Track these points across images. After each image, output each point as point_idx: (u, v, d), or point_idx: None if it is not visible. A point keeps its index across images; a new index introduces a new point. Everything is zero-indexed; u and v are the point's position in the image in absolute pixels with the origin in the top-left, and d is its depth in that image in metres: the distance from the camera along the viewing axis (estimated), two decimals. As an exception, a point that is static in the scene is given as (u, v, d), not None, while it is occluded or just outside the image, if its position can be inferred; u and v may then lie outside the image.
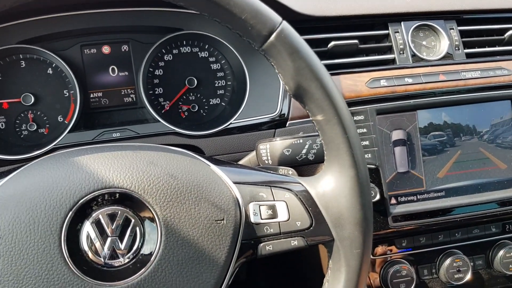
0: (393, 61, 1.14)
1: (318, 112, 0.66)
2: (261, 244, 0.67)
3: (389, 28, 1.15)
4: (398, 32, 1.15)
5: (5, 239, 0.58)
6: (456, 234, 1.14)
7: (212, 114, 1.19)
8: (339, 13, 1.12)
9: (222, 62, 1.19)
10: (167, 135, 1.06)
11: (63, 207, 0.60)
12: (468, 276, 1.12)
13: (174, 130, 1.06)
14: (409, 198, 1.08)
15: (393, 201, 1.07)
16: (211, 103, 1.19)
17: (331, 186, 0.68)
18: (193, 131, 1.07)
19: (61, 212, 0.59)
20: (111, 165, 0.64)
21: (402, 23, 1.16)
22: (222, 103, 1.19)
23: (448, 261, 1.11)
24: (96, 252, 0.60)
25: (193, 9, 0.64)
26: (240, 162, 0.97)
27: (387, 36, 1.16)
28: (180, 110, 1.17)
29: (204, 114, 1.19)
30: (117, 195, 0.62)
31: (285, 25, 0.64)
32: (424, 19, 1.17)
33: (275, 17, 0.63)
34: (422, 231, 1.12)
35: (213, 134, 1.07)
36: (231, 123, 1.08)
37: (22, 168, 0.66)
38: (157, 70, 1.15)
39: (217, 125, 1.08)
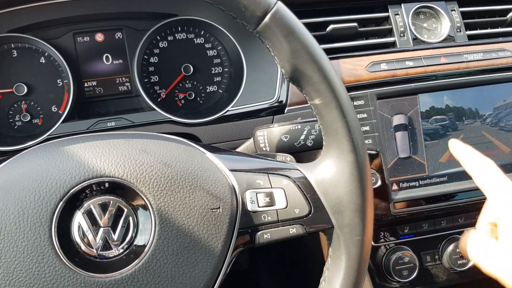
0: (393, 44, 1.12)
1: (315, 95, 0.64)
2: (259, 233, 0.65)
3: (389, 10, 1.12)
4: (398, 14, 1.12)
5: (-6, 232, 0.57)
6: (459, 220, 1.12)
7: (209, 102, 1.17)
8: (336, -4, 1.09)
9: (219, 48, 1.16)
10: (163, 124, 1.04)
11: (53, 197, 0.58)
12: (472, 262, 1.10)
13: (170, 118, 1.04)
14: (411, 184, 1.06)
15: (395, 187, 1.05)
16: (208, 90, 1.17)
17: (330, 172, 0.66)
18: (189, 119, 1.05)
19: (51, 202, 0.58)
20: (103, 154, 0.62)
21: (402, 5, 1.13)
22: (219, 90, 1.17)
23: (451, 247, 1.10)
24: (88, 243, 0.59)
25: None
26: (238, 150, 0.95)
27: (387, 18, 1.13)
28: (176, 98, 1.15)
29: (201, 102, 1.16)
30: (109, 184, 0.60)
31: (280, 5, 0.61)
32: (425, 1, 1.14)
33: None
34: (424, 217, 1.10)
35: (210, 122, 1.05)
36: (228, 110, 1.06)
37: (11, 158, 0.64)
38: (152, 58, 1.13)
39: (214, 112, 1.06)
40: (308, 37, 0.63)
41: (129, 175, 0.61)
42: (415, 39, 1.12)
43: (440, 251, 1.12)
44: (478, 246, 0.70)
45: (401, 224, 1.10)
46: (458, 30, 1.13)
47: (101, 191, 0.60)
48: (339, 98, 0.63)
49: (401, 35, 1.11)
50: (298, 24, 0.62)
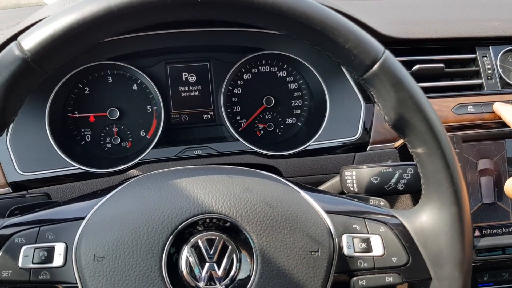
0: (480, 86, 1.10)
1: (419, 144, 0.64)
2: (354, 278, 0.65)
3: (477, 52, 1.11)
4: (486, 56, 1.11)
5: (109, 259, 0.60)
6: (543, 271, 1.08)
7: (287, 134, 1.19)
8: (425, 36, 1.09)
9: (300, 82, 1.18)
10: (246, 154, 1.07)
11: (164, 231, 0.61)
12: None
13: (253, 149, 1.06)
14: (494, 231, 1.03)
15: (477, 233, 1.02)
16: (286, 122, 1.19)
17: (430, 222, 0.65)
18: (270, 151, 1.07)
19: (162, 235, 0.60)
20: (210, 190, 0.64)
21: (490, 47, 1.11)
22: (298, 123, 1.19)
23: (532, 299, 1.06)
24: (194, 277, 0.61)
25: (295, 37, 0.64)
26: (322, 187, 0.96)
27: (473, 60, 1.12)
28: (256, 129, 1.18)
29: (279, 133, 1.19)
30: (216, 220, 0.63)
31: (388, 54, 0.62)
32: (514, 44, 1.12)
33: (378, 46, 0.62)
34: (505, 266, 1.06)
35: (292, 155, 1.06)
36: (310, 145, 1.07)
37: (121, 186, 0.68)
38: (236, 89, 1.17)
39: (295, 146, 1.08)
40: (415, 86, 0.63)
41: (234, 213, 0.63)
42: (502, 81, 1.10)
43: (520, 302, 1.08)
44: None
45: (481, 271, 1.06)
46: (549, 74, 1.10)
47: (208, 227, 0.63)
48: (443, 149, 0.63)
49: (489, 77, 1.09)
50: (405, 73, 0.63)
